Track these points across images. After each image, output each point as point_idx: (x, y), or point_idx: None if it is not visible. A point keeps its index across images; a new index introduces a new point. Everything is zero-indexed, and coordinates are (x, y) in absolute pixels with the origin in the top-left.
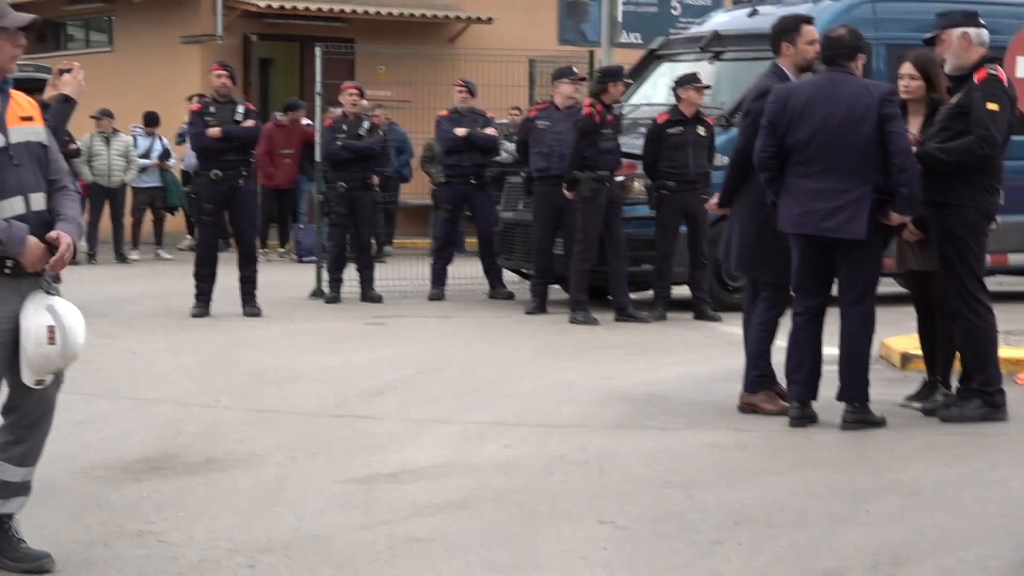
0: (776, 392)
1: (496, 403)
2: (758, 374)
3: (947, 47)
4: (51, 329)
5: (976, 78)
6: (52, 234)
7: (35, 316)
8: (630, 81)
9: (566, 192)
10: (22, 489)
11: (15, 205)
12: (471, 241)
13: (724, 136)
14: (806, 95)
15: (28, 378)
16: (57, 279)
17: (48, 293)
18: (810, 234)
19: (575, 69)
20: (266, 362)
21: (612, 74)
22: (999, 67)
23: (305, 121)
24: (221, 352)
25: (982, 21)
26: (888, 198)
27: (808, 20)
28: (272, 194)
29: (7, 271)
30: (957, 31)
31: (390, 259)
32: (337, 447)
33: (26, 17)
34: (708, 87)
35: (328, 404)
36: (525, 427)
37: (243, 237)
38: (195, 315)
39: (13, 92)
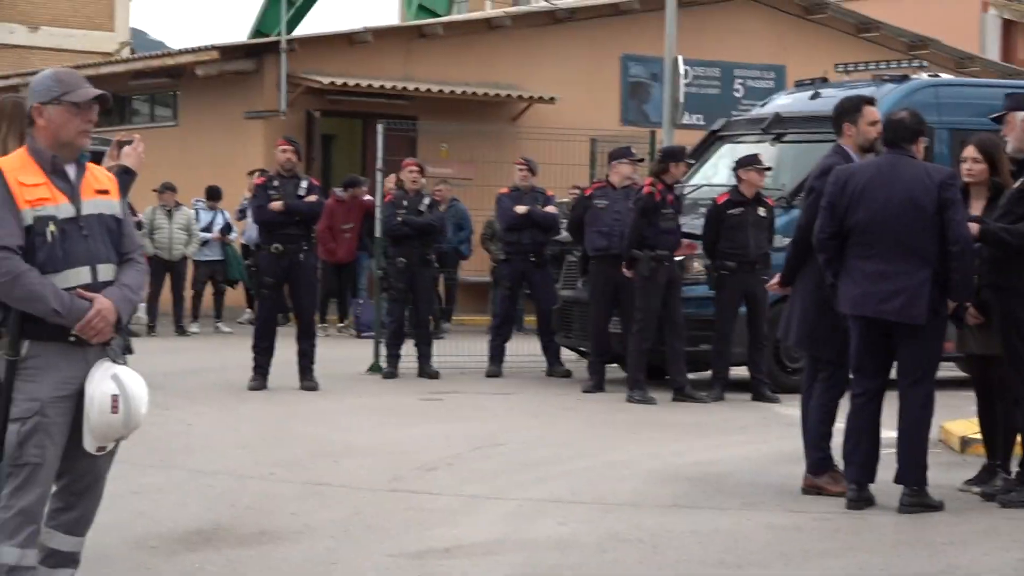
0: (839, 474)
1: (552, 480)
2: (822, 456)
3: (1011, 129)
4: (115, 398)
5: None
6: (87, 295)
7: (100, 384)
8: (692, 161)
9: (625, 271)
10: (70, 560)
11: (81, 275)
12: (530, 319)
13: (785, 217)
14: (866, 177)
15: (90, 445)
16: (128, 350)
17: (115, 362)
18: (869, 316)
19: (633, 150)
20: (321, 435)
21: (673, 154)
22: None
23: (367, 197)
24: (277, 425)
25: None
26: (947, 282)
27: (870, 101)
28: (332, 269)
29: (72, 339)
30: (1021, 114)
31: (448, 335)
32: (391, 521)
33: (95, 92)
34: (769, 168)
35: (383, 479)
36: (580, 505)
37: (302, 311)
38: (252, 388)
39: (90, 165)
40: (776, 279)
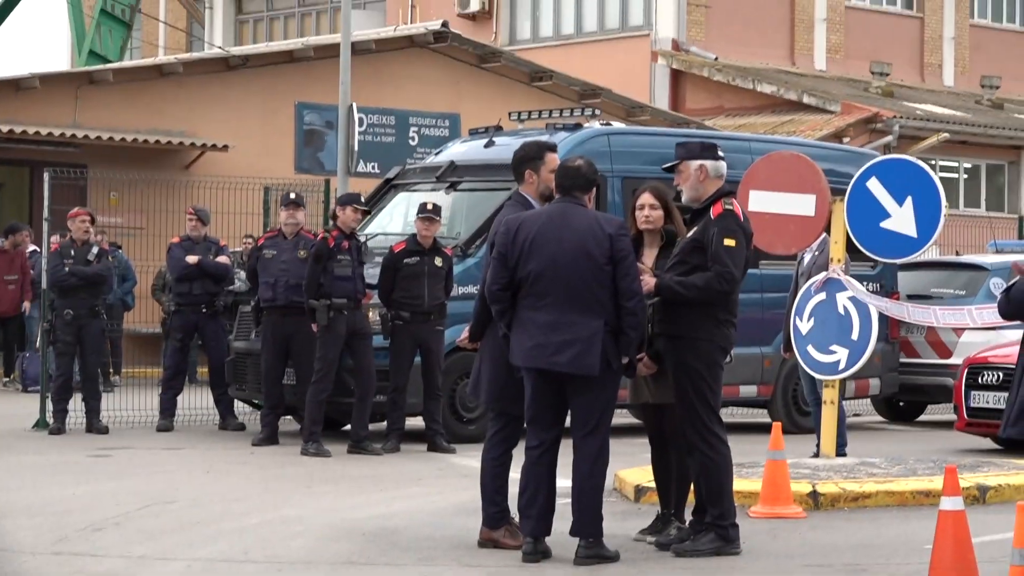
0: (515, 527)
1: (222, 538)
2: (496, 510)
3: (685, 178)
4: None
5: (713, 212)
6: None
7: None
8: (366, 208)
9: (312, 325)
10: None
11: None
12: (202, 371)
13: (461, 266)
14: (537, 226)
15: None
16: None
17: None
18: (541, 368)
19: (292, 195)
20: None
21: (341, 199)
22: (735, 201)
23: (31, 248)
24: None
25: (720, 154)
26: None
27: (552, 148)
28: None
29: None
30: (695, 163)
31: (118, 389)
32: None
33: None
34: (437, 219)
35: (46, 540)
36: (252, 564)
37: None
38: None
39: None
40: (464, 334)
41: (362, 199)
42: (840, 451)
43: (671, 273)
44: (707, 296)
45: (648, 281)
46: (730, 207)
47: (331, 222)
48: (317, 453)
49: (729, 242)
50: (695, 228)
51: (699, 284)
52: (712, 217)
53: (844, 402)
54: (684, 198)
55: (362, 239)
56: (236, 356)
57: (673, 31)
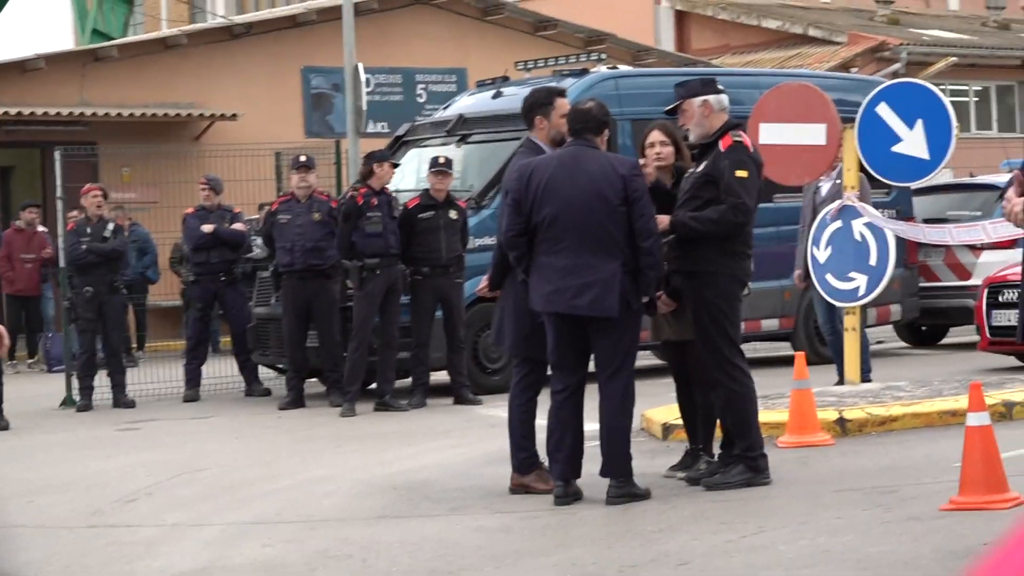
0: (545, 471)
1: (255, 502)
2: (526, 455)
3: (689, 117)
4: None
5: (722, 145)
6: None
7: None
8: (397, 163)
9: (349, 284)
10: None
11: None
12: (225, 339)
13: (476, 218)
14: (550, 171)
15: None
16: None
17: None
18: (562, 312)
19: (302, 158)
20: (14, 475)
21: (376, 156)
22: (743, 133)
23: (41, 228)
24: None
25: (720, 87)
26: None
27: (562, 92)
28: (17, 303)
29: None
30: (698, 100)
31: (143, 362)
32: (91, 559)
33: None
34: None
35: (81, 515)
36: (285, 524)
37: None
38: None
39: None
40: (483, 283)
41: (390, 153)
42: (865, 377)
43: (684, 209)
44: (722, 229)
45: (662, 219)
46: (739, 139)
47: (360, 180)
48: (350, 413)
49: (741, 173)
50: (704, 162)
51: (714, 217)
52: (721, 150)
53: (866, 329)
54: (692, 136)
55: (392, 193)
56: (258, 322)
57: None
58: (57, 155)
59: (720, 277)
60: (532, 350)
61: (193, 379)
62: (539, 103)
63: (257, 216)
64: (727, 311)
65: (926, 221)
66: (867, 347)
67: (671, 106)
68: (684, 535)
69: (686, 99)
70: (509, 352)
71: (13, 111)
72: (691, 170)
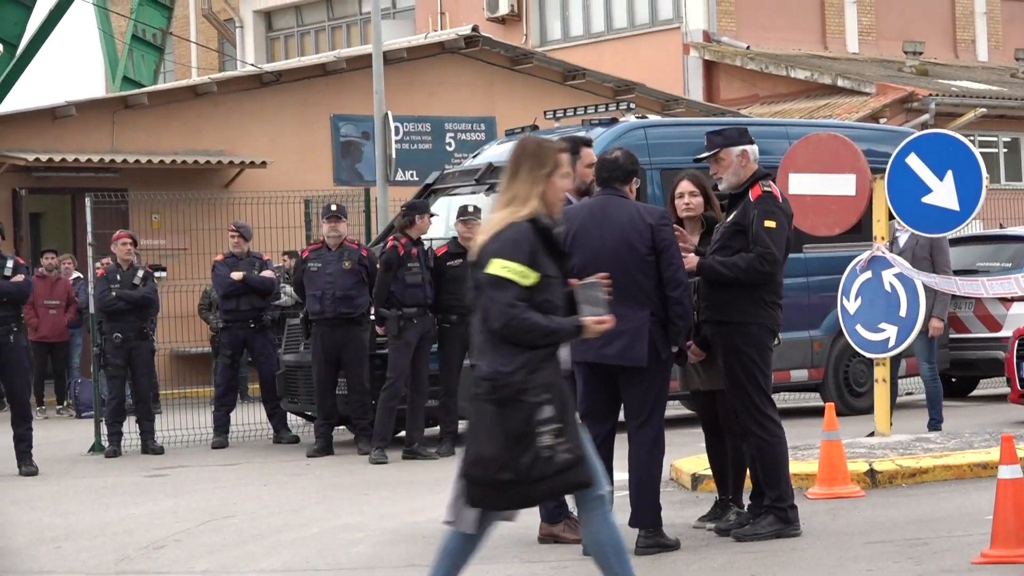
0: (574, 521)
1: (283, 549)
2: (555, 504)
3: (726, 166)
4: None
5: (752, 195)
6: None
7: None
8: (436, 214)
9: (377, 328)
10: None
11: None
12: (254, 387)
13: None
14: (579, 220)
15: None
16: None
17: None
18: (591, 361)
19: (333, 207)
20: (43, 521)
21: (418, 208)
22: (772, 183)
23: (75, 275)
24: None
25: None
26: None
27: (587, 143)
28: (43, 349)
29: None
30: (736, 149)
31: (170, 409)
32: None
33: None
34: (476, 220)
35: (109, 561)
36: (314, 572)
37: (15, 395)
38: None
39: None
40: None
41: (429, 205)
42: (935, 426)
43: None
44: (749, 277)
45: (691, 259)
46: (768, 189)
47: (396, 229)
48: (380, 460)
49: (770, 223)
50: (735, 212)
51: (741, 265)
52: (751, 200)
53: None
54: (723, 186)
55: (427, 244)
56: (287, 369)
57: (703, 22)
58: (88, 201)
59: (751, 327)
60: None
61: (222, 425)
62: None
63: (282, 263)
64: (758, 360)
65: (956, 273)
66: (939, 398)
67: (708, 154)
68: None
69: (724, 148)
70: None
71: (44, 158)
72: (721, 221)
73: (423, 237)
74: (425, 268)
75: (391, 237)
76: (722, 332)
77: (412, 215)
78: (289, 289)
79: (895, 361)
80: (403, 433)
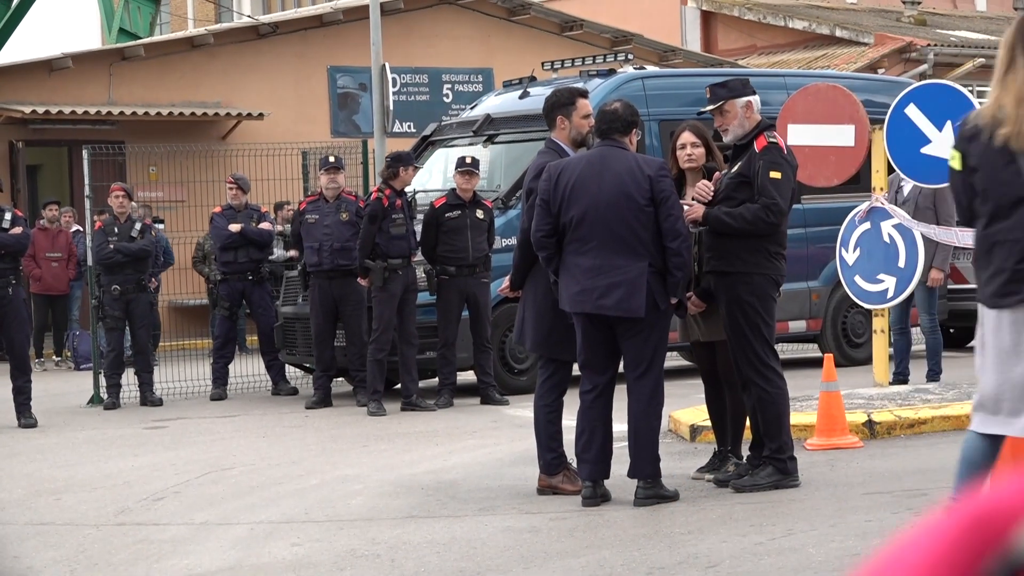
0: (573, 472)
1: (283, 501)
2: (553, 455)
3: (731, 118)
4: None
5: (757, 146)
6: None
7: None
8: (419, 166)
9: (360, 280)
10: None
11: None
12: (251, 339)
13: (503, 218)
14: (577, 171)
15: None
16: None
17: None
18: (589, 312)
19: (331, 159)
20: (42, 473)
21: (402, 159)
22: (776, 133)
23: (75, 227)
24: None
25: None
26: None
27: (583, 93)
28: (44, 301)
29: None
30: (741, 100)
31: (168, 361)
32: (119, 556)
33: None
34: (476, 172)
35: (108, 512)
36: (314, 523)
37: (14, 347)
38: None
39: None
40: (505, 283)
41: (413, 156)
42: (934, 377)
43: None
44: (755, 228)
45: (696, 208)
46: (773, 140)
47: (383, 181)
48: (377, 412)
49: (775, 174)
50: (739, 163)
51: (747, 216)
52: (756, 151)
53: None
54: (728, 137)
55: (410, 194)
56: (285, 321)
57: None
58: (85, 154)
59: (755, 276)
60: (553, 350)
61: (220, 378)
62: (560, 103)
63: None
64: (762, 311)
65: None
66: (938, 349)
67: (713, 107)
68: (713, 537)
69: (729, 99)
70: (530, 351)
71: (41, 110)
72: (725, 171)
73: (417, 186)
74: (408, 219)
75: (375, 188)
76: (726, 282)
77: (396, 167)
78: (282, 245)
79: (906, 311)
80: (399, 385)
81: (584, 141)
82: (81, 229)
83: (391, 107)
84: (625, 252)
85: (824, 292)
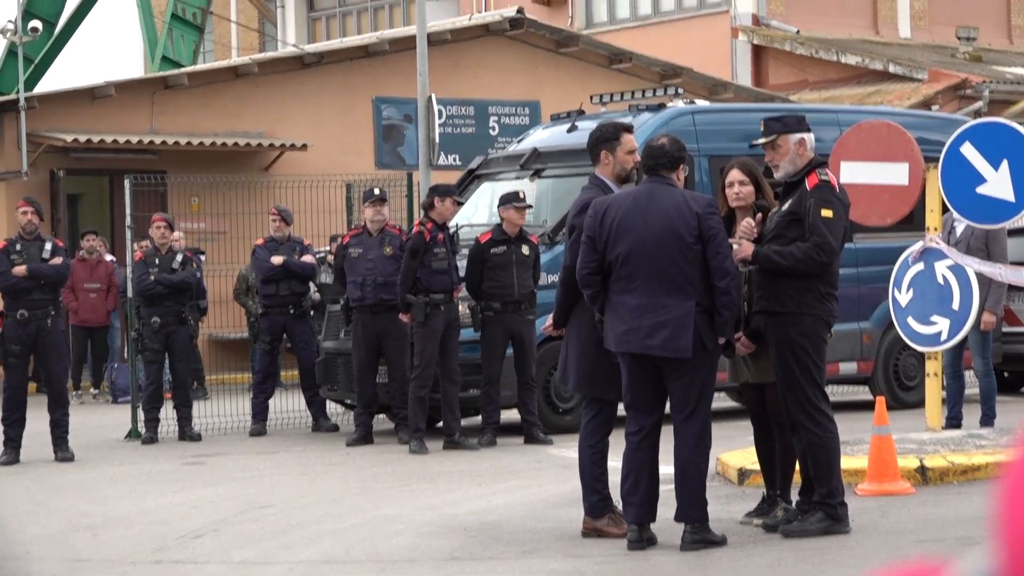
0: (618, 515)
1: (323, 540)
2: (599, 498)
3: (783, 154)
4: None
5: (808, 184)
6: None
7: None
8: (460, 200)
9: (401, 316)
10: None
11: None
12: (287, 374)
13: (549, 254)
14: (624, 208)
15: None
16: None
17: None
18: (635, 352)
19: (376, 191)
20: (80, 508)
21: (439, 190)
22: (828, 171)
23: (109, 257)
24: (32, 500)
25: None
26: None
27: (628, 128)
28: (83, 333)
29: None
30: (795, 136)
31: (206, 395)
32: None
33: None
34: (529, 206)
35: (146, 550)
36: (354, 564)
37: (52, 379)
38: (3, 463)
39: None
40: (549, 322)
41: (453, 188)
42: (987, 422)
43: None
44: (805, 267)
45: (746, 247)
46: (826, 177)
47: (423, 214)
48: (419, 451)
49: (827, 213)
50: (790, 201)
51: (797, 255)
52: (808, 188)
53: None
54: (779, 174)
55: (452, 229)
56: (326, 356)
57: (752, 6)
58: (127, 183)
59: (806, 317)
60: (597, 389)
61: (260, 413)
62: (604, 138)
63: (328, 248)
64: (812, 353)
65: (1013, 264)
66: (992, 393)
67: (766, 140)
68: None
69: (782, 135)
70: (573, 390)
71: (82, 138)
72: (775, 209)
73: (461, 220)
74: (451, 253)
75: (416, 222)
76: (776, 323)
77: (432, 197)
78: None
79: (959, 353)
80: (441, 423)
81: (628, 177)
82: (114, 259)
83: (437, 139)
84: (672, 291)
85: (876, 333)
